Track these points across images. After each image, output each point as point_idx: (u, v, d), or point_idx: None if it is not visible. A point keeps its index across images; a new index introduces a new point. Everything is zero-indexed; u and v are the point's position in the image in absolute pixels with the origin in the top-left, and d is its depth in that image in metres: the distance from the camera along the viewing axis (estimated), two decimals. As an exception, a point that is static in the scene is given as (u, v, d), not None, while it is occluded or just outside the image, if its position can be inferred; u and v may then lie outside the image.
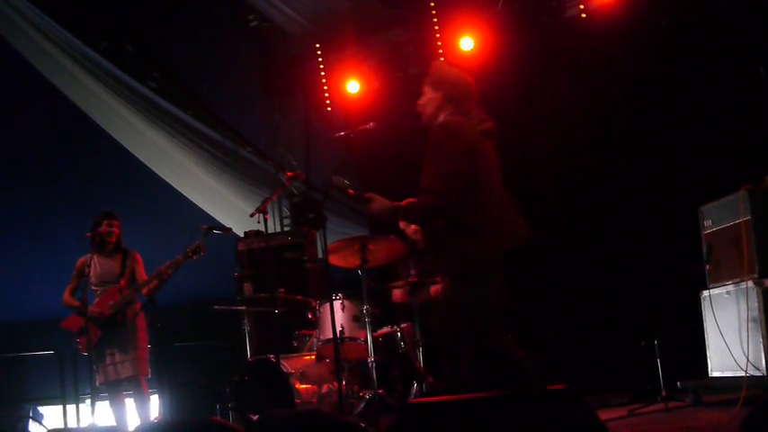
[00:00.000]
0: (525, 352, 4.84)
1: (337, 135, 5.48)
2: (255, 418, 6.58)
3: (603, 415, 4.60)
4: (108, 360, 7.13)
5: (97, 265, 7.33)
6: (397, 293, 7.71)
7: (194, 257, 7.04)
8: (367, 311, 6.63)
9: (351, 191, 4.98)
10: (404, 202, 4.92)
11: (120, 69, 10.27)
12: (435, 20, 9.36)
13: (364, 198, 4.91)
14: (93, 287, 7.32)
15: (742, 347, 6.20)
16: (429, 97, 5.08)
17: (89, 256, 7.30)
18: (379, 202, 4.93)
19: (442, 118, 5.00)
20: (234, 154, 10.73)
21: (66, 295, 7.35)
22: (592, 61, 8.65)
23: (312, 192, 4.86)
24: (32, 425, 9.65)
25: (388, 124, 5.18)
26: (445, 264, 4.87)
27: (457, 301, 4.80)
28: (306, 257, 8.94)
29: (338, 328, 6.53)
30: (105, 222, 7.34)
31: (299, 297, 7.56)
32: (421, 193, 4.88)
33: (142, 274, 7.35)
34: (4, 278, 11.42)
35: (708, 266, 6.84)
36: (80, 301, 7.12)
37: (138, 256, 7.47)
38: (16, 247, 11.45)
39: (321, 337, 7.00)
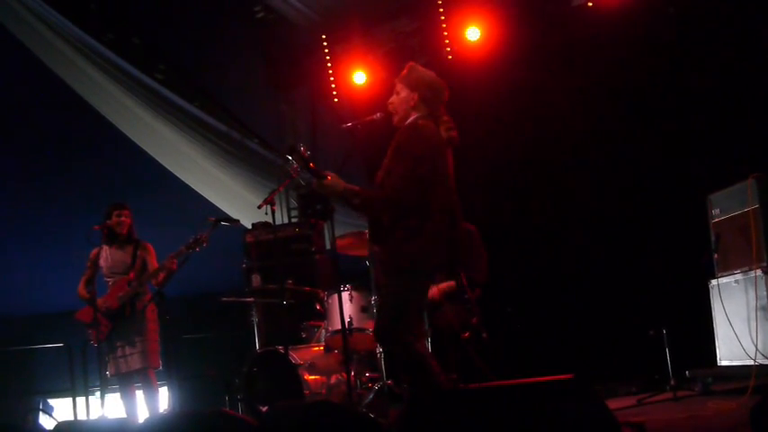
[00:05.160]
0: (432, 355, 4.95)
1: (344, 126, 5.47)
2: (265, 409, 6.59)
3: (612, 404, 4.61)
4: (119, 352, 7.16)
5: (108, 257, 7.36)
6: None
7: (197, 248, 7.05)
8: (375, 302, 6.63)
9: (312, 164, 4.97)
10: (359, 189, 4.92)
11: (126, 61, 10.26)
12: (441, 10, 9.35)
13: (321, 174, 4.91)
14: (105, 278, 7.37)
15: (751, 336, 6.19)
16: (403, 96, 5.05)
17: (101, 247, 7.35)
18: (335, 182, 4.89)
19: (412, 119, 5.01)
20: (241, 145, 10.73)
21: (81, 287, 7.38)
22: (599, 50, 8.64)
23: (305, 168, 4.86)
24: (43, 417, 9.69)
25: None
26: (389, 259, 4.89)
27: (393, 295, 4.85)
28: (314, 248, 8.95)
29: (346, 319, 6.52)
30: (115, 213, 7.38)
31: (308, 288, 7.56)
32: (377, 187, 4.92)
33: (154, 265, 7.36)
34: (13, 272, 11.46)
35: (716, 255, 6.83)
36: (90, 293, 7.16)
37: (151, 247, 7.48)
38: (25, 240, 11.49)
39: (329, 328, 7.00)
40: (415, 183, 4.76)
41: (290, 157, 5.14)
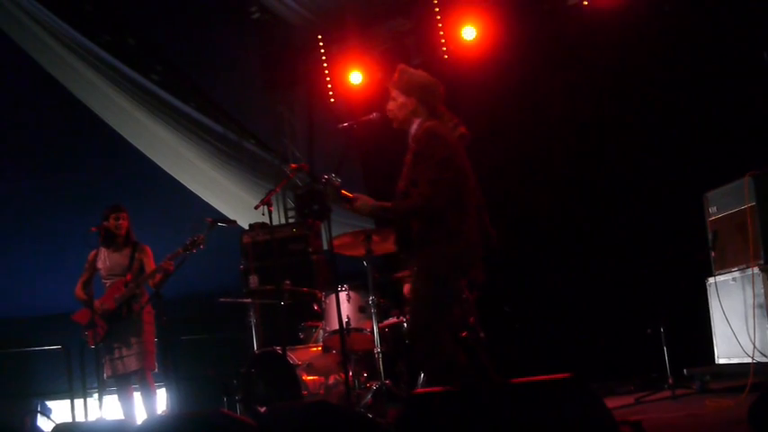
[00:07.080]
0: (467, 356, 4.92)
1: (340, 126, 5.46)
2: (263, 409, 6.59)
3: (610, 403, 4.60)
4: (116, 354, 7.16)
5: (106, 259, 7.37)
6: (408, 287, 7.69)
7: (194, 250, 7.05)
8: (373, 302, 6.63)
9: (344, 191, 4.98)
10: (389, 204, 4.92)
11: (123, 63, 10.26)
12: (437, 9, 9.35)
13: (352, 198, 4.92)
14: (103, 280, 7.37)
15: (748, 334, 6.19)
16: (401, 102, 5.02)
17: (99, 249, 7.36)
18: (364, 201, 4.93)
19: (419, 122, 4.99)
20: (237, 146, 10.73)
21: (78, 288, 7.39)
22: (594, 49, 8.64)
23: (315, 183, 4.85)
24: (41, 419, 9.68)
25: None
26: (424, 263, 4.88)
27: (428, 299, 4.82)
28: (311, 249, 8.95)
29: (344, 320, 6.52)
30: (112, 216, 7.38)
31: (305, 289, 7.56)
32: (400, 197, 4.91)
33: (151, 267, 7.35)
34: (10, 274, 11.46)
35: (713, 253, 6.84)
36: (87, 294, 7.17)
37: (149, 249, 7.48)
38: (22, 242, 11.49)
39: (327, 329, 7.00)
40: (445, 187, 4.76)
41: (324, 186, 5.15)
